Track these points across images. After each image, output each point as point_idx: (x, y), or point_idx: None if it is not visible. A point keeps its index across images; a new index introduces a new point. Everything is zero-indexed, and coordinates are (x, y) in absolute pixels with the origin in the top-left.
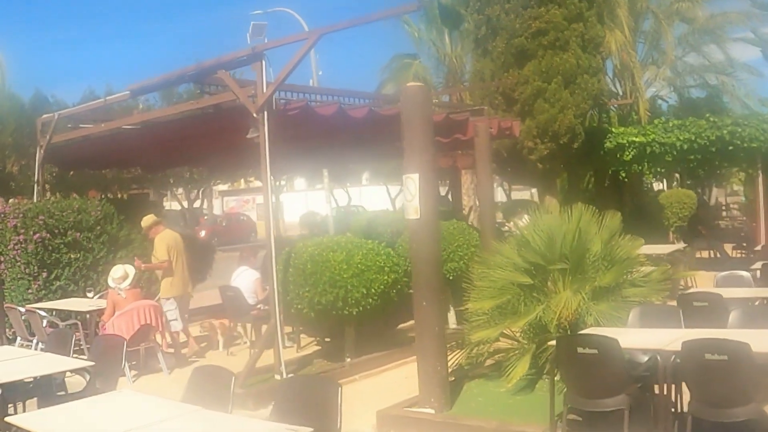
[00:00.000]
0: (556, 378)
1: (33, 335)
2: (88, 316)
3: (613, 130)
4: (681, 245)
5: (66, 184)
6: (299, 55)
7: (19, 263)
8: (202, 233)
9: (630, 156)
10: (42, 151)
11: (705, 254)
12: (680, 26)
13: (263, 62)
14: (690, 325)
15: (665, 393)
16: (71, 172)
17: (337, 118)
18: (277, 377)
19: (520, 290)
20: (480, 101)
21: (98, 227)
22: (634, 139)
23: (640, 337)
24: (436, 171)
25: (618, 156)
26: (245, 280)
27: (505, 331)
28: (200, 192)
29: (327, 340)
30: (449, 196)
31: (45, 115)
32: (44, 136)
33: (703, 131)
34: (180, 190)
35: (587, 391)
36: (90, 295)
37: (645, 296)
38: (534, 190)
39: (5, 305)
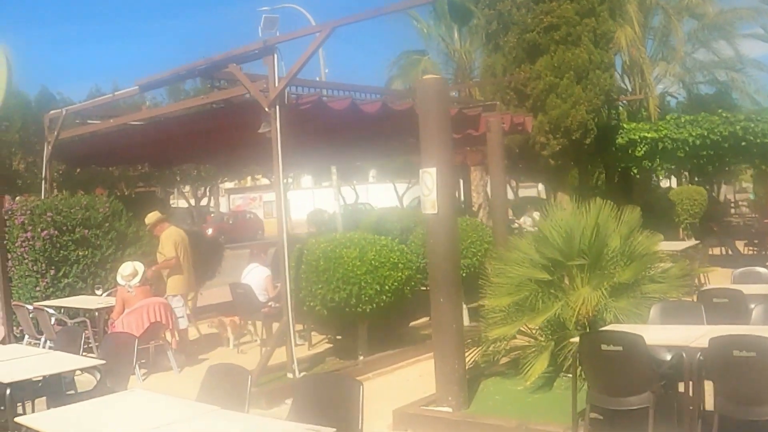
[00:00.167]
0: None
1: (41, 333)
2: (96, 313)
3: (625, 125)
4: (693, 242)
5: (73, 181)
6: (312, 48)
7: (26, 260)
8: (209, 231)
9: (642, 152)
10: (50, 148)
11: (716, 251)
12: (689, 22)
13: (275, 56)
14: (712, 322)
15: (690, 391)
16: (78, 170)
17: (349, 113)
18: (290, 375)
19: (538, 287)
20: (491, 97)
21: (106, 224)
22: (646, 134)
23: (665, 334)
24: (454, 165)
25: (630, 152)
26: (256, 277)
27: (521, 329)
28: (207, 190)
29: (338, 337)
30: (459, 193)
31: (53, 111)
32: (52, 132)
33: (716, 127)
34: (187, 188)
35: (611, 389)
36: (99, 292)
37: (664, 293)
38: (541, 187)
39: (13, 303)
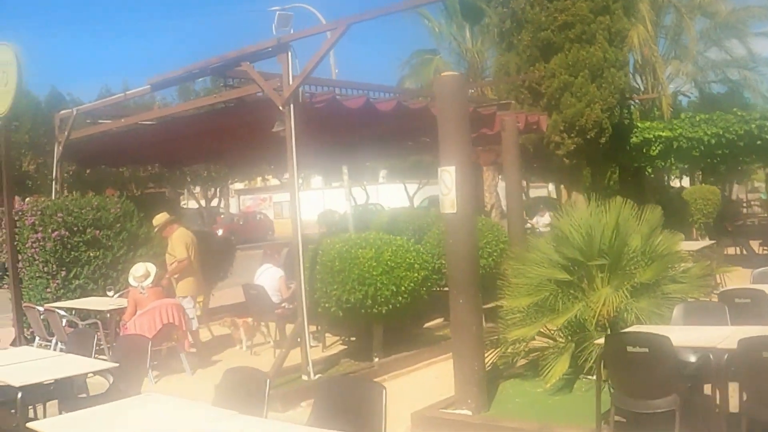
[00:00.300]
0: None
1: (52, 335)
2: (108, 315)
3: (639, 124)
4: (708, 242)
5: (82, 182)
6: (327, 45)
7: (37, 262)
8: (219, 232)
9: (656, 151)
10: (60, 148)
11: (731, 251)
12: (701, 20)
13: (289, 53)
14: (735, 323)
15: (717, 393)
16: (88, 170)
17: (363, 112)
18: (305, 377)
19: (558, 287)
20: (505, 96)
21: (118, 224)
22: (660, 133)
23: (690, 335)
24: (472, 164)
25: (644, 151)
26: (269, 278)
27: (540, 330)
28: (217, 190)
29: (352, 339)
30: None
31: (63, 111)
32: (62, 132)
33: (731, 125)
34: (197, 189)
35: (636, 391)
36: (110, 293)
37: (685, 293)
38: (551, 187)
39: (23, 304)
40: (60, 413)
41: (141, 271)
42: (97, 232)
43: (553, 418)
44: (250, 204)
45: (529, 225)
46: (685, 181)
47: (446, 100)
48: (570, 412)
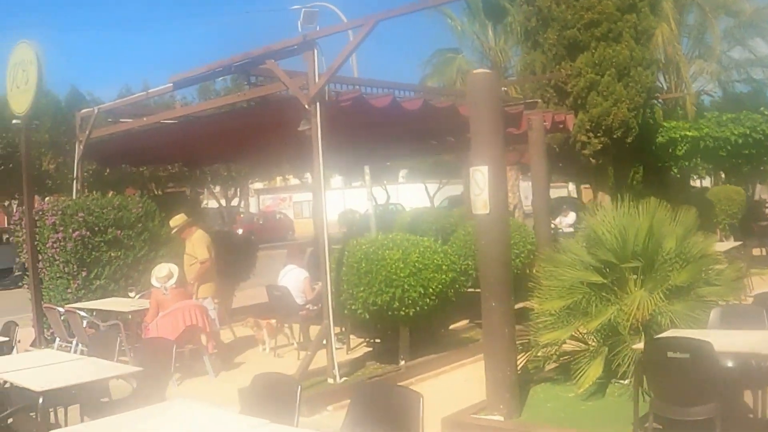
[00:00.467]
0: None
1: (72, 336)
2: (129, 316)
3: (665, 124)
4: (735, 243)
5: (102, 182)
6: (354, 43)
7: (57, 262)
8: (239, 231)
9: (682, 151)
10: (81, 147)
11: (756, 252)
12: (725, 20)
13: (315, 51)
14: None
15: (760, 400)
16: (108, 170)
17: (389, 111)
18: (330, 381)
19: (590, 290)
20: (530, 95)
21: (139, 224)
22: (686, 133)
23: (731, 340)
24: (505, 163)
25: (670, 151)
26: (293, 279)
27: (572, 333)
28: (237, 190)
29: (377, 341)
30: None
31: (84, 110)
32: (83, 131)
33: (759, 125)
34: (217, 188)
35: (676, 398)
36: (132, 294)
37: (720, 296)
38: (572, 187)
39: (44, 305)
40: (82, 418)
41: (164, 272)
42: (119, 232)
43: (587, 423)
44: (270, 203)
45: (552, 225)
46: (706, 181)
47: (479, 97)
48: (604, 418)
